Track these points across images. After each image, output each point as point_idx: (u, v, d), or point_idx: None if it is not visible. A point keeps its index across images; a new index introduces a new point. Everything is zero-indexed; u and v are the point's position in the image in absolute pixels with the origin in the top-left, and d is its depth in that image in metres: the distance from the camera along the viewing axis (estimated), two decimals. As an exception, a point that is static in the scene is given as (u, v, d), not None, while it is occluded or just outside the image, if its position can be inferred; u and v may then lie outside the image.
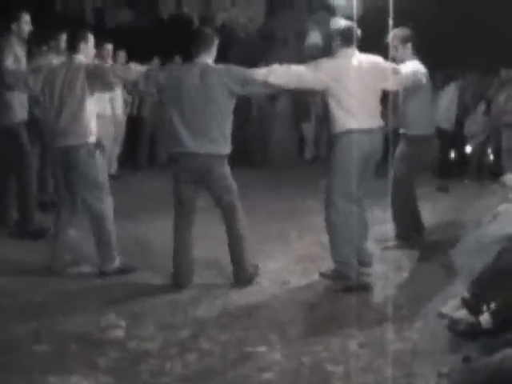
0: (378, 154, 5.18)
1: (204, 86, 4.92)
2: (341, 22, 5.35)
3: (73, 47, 5.44)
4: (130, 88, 6.17)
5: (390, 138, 5.77)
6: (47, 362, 3.75)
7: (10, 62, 6.03)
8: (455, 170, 10.56)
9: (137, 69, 5.28)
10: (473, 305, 3.92)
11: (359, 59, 5.09)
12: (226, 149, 5.04)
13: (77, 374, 3.59)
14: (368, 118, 5.03)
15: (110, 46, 8.67)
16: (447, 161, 10.70)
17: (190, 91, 4.94)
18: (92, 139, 5.29)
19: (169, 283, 5.09)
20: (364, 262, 5.27)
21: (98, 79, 5.26)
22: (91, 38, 5.49)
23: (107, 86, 5.50)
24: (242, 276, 5.09)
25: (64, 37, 6.75)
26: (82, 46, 5.39)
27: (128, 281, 5.20)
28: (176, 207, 5.14)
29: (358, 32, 5.16)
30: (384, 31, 5.91)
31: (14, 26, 6.24)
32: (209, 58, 5.06)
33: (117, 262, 5.33)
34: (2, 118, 6.28)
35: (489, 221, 5.66)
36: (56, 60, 6.43)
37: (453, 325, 3.90)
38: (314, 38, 10.88)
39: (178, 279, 5.09)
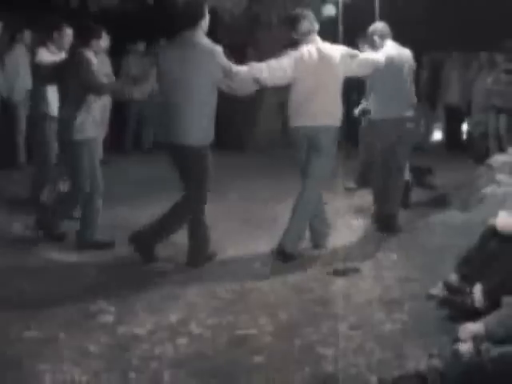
0: None
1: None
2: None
3: (86, 43, 5.48)
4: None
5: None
6: (37, 349, 3.72)
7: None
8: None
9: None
10: (456, 287, 3.96)
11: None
12: None
13: (67, 360, 3.57)
14: None
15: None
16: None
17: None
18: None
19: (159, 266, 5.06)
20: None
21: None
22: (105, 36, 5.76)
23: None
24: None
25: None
26: (94, 41, 5.53)
27: (116, 264, 5.18)
28: None
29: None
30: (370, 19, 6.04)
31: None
32: None
33: None
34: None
35: (476, 203, 5.70)
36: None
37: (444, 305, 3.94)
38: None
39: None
